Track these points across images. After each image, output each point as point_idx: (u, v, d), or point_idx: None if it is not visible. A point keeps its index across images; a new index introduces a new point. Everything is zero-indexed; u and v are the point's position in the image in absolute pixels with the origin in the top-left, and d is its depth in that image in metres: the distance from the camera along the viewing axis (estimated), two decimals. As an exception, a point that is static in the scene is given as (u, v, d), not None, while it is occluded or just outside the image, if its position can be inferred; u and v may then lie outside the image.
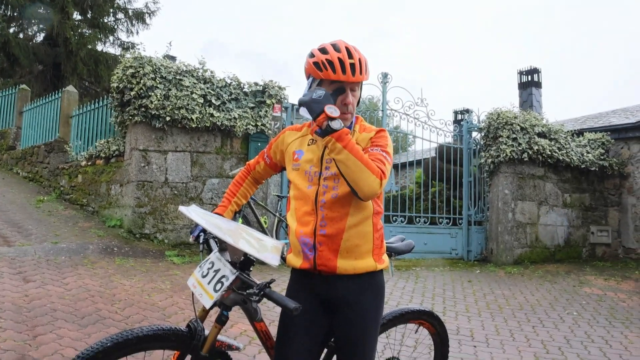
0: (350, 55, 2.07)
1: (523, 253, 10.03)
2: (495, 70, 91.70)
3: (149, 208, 7.81)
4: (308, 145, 2.26)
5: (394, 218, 9.80)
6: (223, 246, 2.21)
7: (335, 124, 1.95)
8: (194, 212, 2.11)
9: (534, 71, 18.00)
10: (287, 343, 2.21)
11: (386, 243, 2.43)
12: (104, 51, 18.63)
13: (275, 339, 2.29)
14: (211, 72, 8.28)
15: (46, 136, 11.28)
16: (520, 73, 18.29)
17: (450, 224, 10.28)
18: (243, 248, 1.98)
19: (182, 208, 2.11)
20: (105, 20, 18.85)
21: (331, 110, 1.96)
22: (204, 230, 2.32)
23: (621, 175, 11.23)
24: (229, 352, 2.28)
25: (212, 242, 2.28)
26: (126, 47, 19.60)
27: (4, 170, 12.10)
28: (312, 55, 2.15)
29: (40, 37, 19.02)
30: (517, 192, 10.08)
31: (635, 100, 40.03)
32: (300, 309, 1.86)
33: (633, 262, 10.51)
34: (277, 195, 8.45)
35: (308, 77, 2.23)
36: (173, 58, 8.92)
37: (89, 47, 17.62)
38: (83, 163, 9.35)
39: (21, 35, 18.20)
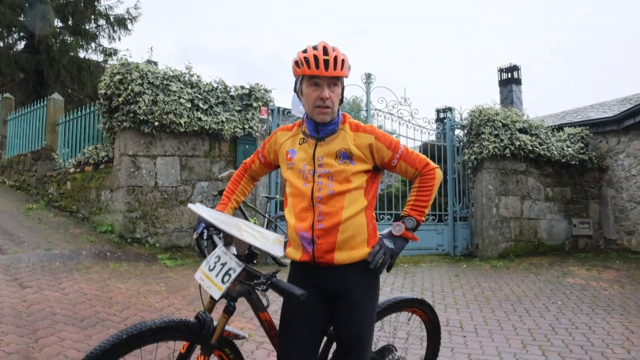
0: (325, 53, 2.21)
1: (508, 247, 10.25)
2: (476, 69, 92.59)
3: (140, 212, 7.89)
4: (300, 144, 2.39)
5: (380, 216, 9.97)
6: (228, 241, 2.34)
7: (408, 234, 2.35)
8: (201, 209, 2.25)
9: (513, 68, 18.33)
10: (290, 332, 2.35)
11: (379, 235, 2.58)
12: (86, 58, 18.60)
13: (278, 328, 2.43)
14: (197, 76, 8.39)
15: (32, 144, 11.28)
16: (501, 70, 18.61)
17: (436, 220, 10.48)
18: (249, 241, 2.12)
19: (190, 205, 2.25)
20: (87, 27, 18.84)
21: (399, 231, 2.33)
22: (206, 227, 2.45)
23: (600, 169, 11.52)
24: (235, 342, 2.42)
25: (215, 238, 2.41)
26: (108, 53, 19.59)
27: (-10, 179, 12.06)
28: (295, 56, 2.30)
29: (21, 45, 18.91)
30: (500, 187, 10.31)
31: (613, 95, 40.74)
32: (306, 295, 2.00)
33: (614, 253, 10.80)
34: (266, 197, 8.57)
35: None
36: (155, 63, 9.01)
37: (71, 54, 17.61)
38: (71, 170, 9.38)
39: (1, 44, 18.09)
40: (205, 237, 2.44)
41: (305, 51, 2.25)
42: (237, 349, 2.43)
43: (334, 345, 2.62)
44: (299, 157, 2.36)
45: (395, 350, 3.05)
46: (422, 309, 3.10)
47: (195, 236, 2.51)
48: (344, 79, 2.34)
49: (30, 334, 4.14)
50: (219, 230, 2.46)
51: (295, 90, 2.39)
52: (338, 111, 2.37)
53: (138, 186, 7.90)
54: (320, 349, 2.53)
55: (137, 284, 6.00)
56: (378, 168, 2.39)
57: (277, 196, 8.99)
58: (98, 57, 19.51)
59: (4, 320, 4.34)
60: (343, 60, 2.25)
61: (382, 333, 3.75)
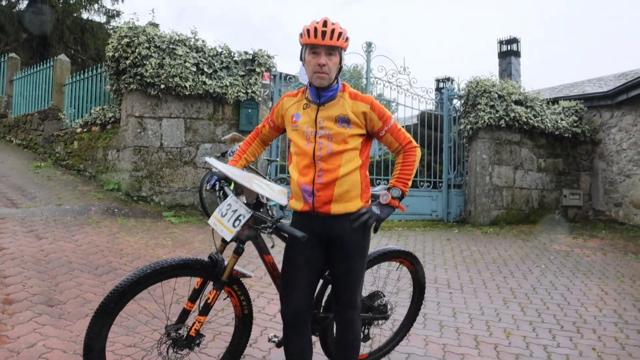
0: (325, 25, 2.50)
1: (499, 214, 10.62)
2: (477, 39, 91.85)
3: (146, 172, 8.21)
4: (303, 109, 2.69)
5: (377, 182, 10.30)
6: (238, 191, 2.68)
7: (395, 202, 2.63)
8: (217, 163, 2.57)
9: (513, 41, 18.44)
10: (291, 273, 2.69)
11: (372, 191, 2.90)
12: (89, 19, 18.65)
13: (280, 271, 2.77)
14: (202, 41, 8.61)
15: (39, 104, 11.53)
16: (500, 42, 18.72)
17: (431, 187, 10.82)
18: (258, 190, 2.45)
19: (207, 158, 2.58)
20: (90, -13, 18.84)
21: (386, 199, 2.61)
22: (218, 180, 2.77)
23: (593, 142, 11.81)
24: (242, 280, 2.77)
25: (227, 189, 2.74)
26: (111, 14, 19.64)
27: (-3, 138, 12.35)
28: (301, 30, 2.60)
29: (23, 4, 18.95)
30: (494, 157, 10.62)
31: (615, 69, 40.71)
32: (306, 236, 2.34)
33: (601, 224, 11.18)
34: (267, 159, 8.88)
35: None
36: (157, 25, 9.14)
37: (75, 15, 17.65)
38: (78, 130, 9.67)
39: (4, 2, 18.13)
40: (217, 189, 2.76)
41: (309, 24, 2.55)
42: (244, 286, 2.79)
43: (329, 289, 2.99)
44: (302, 120, 2.66)
45: (383, 296, 3.41)
46: (409, 260, 3.45)
47: (208, 187, 2.83)
48: (343, 50, 2.63)
49: (50, 279, 4.50)
50: (229, 183, 2.79)
51: (301, 59, 2.68)
52: (337, 80, 2.66)
53: (144, 146, 8.21)
54: (317, 290, 2.88)
55: (145, 238, 6.37)
56: (370, 134, 2.71)
57: (278, 159, 9.30)
58: (101, 19, 19.60)
59: (25, 266, 4.70)
60: (340, 32, 2.53)
61: (372, 281, 4.11)
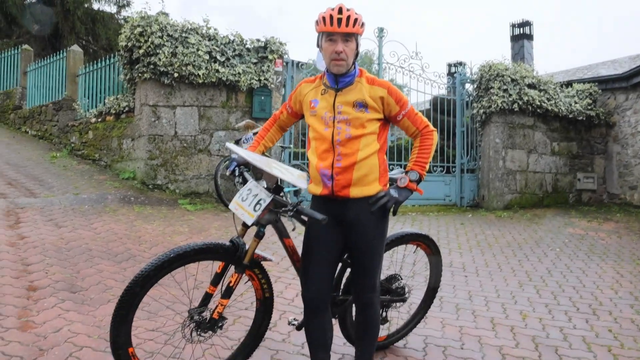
0: (340, 12, 2.52)
1: (513, 199, 10.60)
2: (489, 23, 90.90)
3: (160, 160, 8.29)
4: (321, 94, 2.72)
5: (390, 167, 10.18)
6: (258, 176, 2.72)
7: (412, 185, 2.68)
8: (238, 149, 2.62)
9: (525, 24, 18.26)
10: (311, 257, 2.74)
11: (389, 175, 2.93)
12: (100, 10, 18.70)
13: (300, 254, 2.82)
14: (215, 29, 8.62)
15: (53, 95, 11.62)
16: (513, 26, 18.55)
17: (444, 172, 10.81)
18: (278, 175, 2.49)
19: (228, 144, 2.62)
20: (100, -23, 18.86)
21: (404, 182, 2.66)
22: (238, 165, 2.81)
23: (607, 125, 11.71)
24: (263, 263, 2.82)
25: (246, 175, 2.78)
26: (121, 4, 19.65)
27: (12, 129, 12.48)
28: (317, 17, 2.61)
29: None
30: (507, 141, 10.58)
31: (626, 52, 40.19)
32: (327, 219, 2.38)
33: (616, 207, 11.11)
34: (281, 146, 8.91)
35: None
36: (167, 15, 9.17)
37: (86, 5, 17.70)
38: (93, 120, 9.75)
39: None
40: (237, 174, 2.81)
41: (324, 11, 2.56)
42: (264, 269, 2.84)
43: (347, 272, 3.04)
44: (321, 105, 2.68)
45: (401, 278, 3.45)
46: (426, 242, 3.49)
47: (227, 173, 2.87)
48: (359, 36, 2.64)
49: (72, 266, 4.59)
50: (249, 168, 2.84)
51: (318, 46, 2.70)
52: (355, 65, 2.68)
53: (159, 135, 8.28)
54: (336, 272, 2.93)
55: (162, 225, 6.45)
56: (387, 118, 2.73)
57: (291, 146, 9.34)
58: (111, 9, 19.61)
59: (47, 254, 4.79)
60: (356, 19, 2.55)
61: (389, 265, 4.15)
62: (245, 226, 2.68)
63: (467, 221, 9.02)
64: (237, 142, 8.38)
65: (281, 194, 2.67)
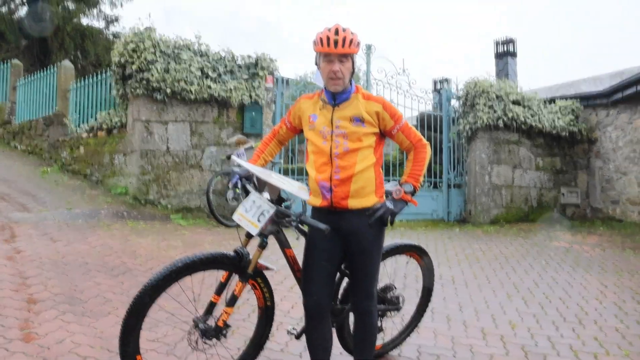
0: (336, 33, 2.66)
1: (499, 213, 10.80)
2: (473, 41, 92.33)
3: (153, 175, 8.37)
4: (320, 109, 2.86)
5: (379, 182, 10.43)
6: (260, 188, 2.83)
7: (407, 197, 2.81)
8: (242, 161, 2.73)
9: (509, 41, 18.65)
10: (312, 266, 2.85)
11: (385, 189, 3.05)
12: (88, 25, 18.78)
13: (301, 265, 2.93)
14: (206, 45, 8.77)
15: (43, 110, 11.65)
16: (497, 43, 18.93)
17: (432, 187, 11.00)
18: (281, 186, 2.61)
19: (233, 157, 2.74)
20: (89, -7, 18.96)
21: (399, 194, 2.78)
22: (240, 178, 2.93)
23: (589, 140, 12.02)
24: (265, 273, 2.93)
25: (248, 187, 2.90)
26: (110, 20, 19.76)
27: (1, 144, 12.46)
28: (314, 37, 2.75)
29: (22, 11, 19.05)
30: (493, 156, 10.81)
31: (611, 68, 41.05)
32: (329, 229, 2.49)
33: (599, 221, 11.38)
34: (271, 162, 9.01)
35: None
36: (154, 30, 9.26)
37: (75, 20, 17.78)
38: (84, 135, 9.81)
39: (4, 9, 18.24)
40: (239, 186, 2.92)
41: (321, 32, 2.71)
42: (266, 278, 2.95)
43: (344, 283, 3.15)
44: (319, 120, 2.82)
45: (395, 288, 3.57)
46: (418, 253, 3.63)
47: (230, 185, 2.99)
48: (354, 55, 2.79)
49: (70, 280, 4.65)
50: (250, 181, 2.95)
51: (316, 64, 2.84)
52: (351, 82, 2.82)
53: (151, 150, 8.36)
54: (335, 282, 3.04)
55: (156, 239, 6.52)
56: (382, 133, 2.87)
57: (281, 161, 9.46)
58: (100, 24, 19.70)
59: (44, 268, 4.84)
60: (351, 39, 2.69)
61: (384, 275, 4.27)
62: (249, 236, 2.79)
63: (455, 235, 9.18)
64: (228, 158, 8.50)
65: (283, 205, 2.79)
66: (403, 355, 3.76)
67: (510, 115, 10.72)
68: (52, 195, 8.11)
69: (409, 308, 4.17)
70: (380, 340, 3.70)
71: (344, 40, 2.64)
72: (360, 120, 2.74)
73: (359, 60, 10.54)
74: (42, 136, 11.15)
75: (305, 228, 2.88)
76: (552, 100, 12.32)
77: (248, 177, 2.94)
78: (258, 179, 2.86)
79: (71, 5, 18.43)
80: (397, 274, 4.39)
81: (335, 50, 2.65)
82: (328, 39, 2.64)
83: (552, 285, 5.97)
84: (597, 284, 6.03)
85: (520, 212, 11.14)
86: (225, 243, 6.74)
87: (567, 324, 4.60)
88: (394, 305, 3.53)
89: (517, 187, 11.15)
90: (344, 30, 2.68)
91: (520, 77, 19.04)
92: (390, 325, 3.87)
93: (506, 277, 6.28)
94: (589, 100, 12.09)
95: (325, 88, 2.83)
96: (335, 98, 2.78)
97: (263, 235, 2.74)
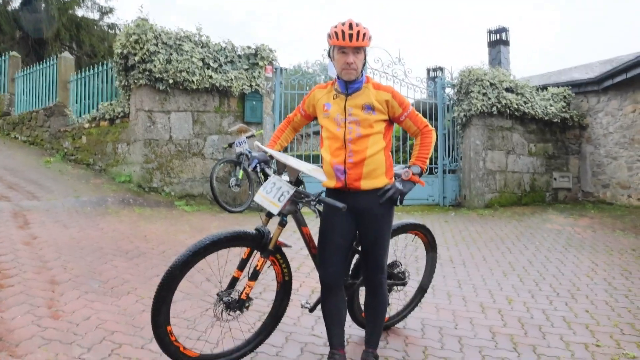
0: (351, 28, 2.88)
1: (493, 198, 11.08)
2: (466, 29, 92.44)
3: (156, 164, 8.56)
4: (333, 99, 3.08)
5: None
6: (280, 171, 3.06)
7: (415, 178, 3.07)
8: (263, 147, 2.97)
9: (502, 30, 18.91)
10: (327, 242, 3.08)
11: (394, 171, 3.28)
12: (83, 16, 18.83)
13: (316, 241, 3.16)
14: (207, 36, 8.94)
15: (43, 101, 11.78)
16: (490, 32, 19.18)
17: (427, 173, 11.23)
18: (300, 168, 2.84)
19: (257, 143, 2.97)
20: (83, -16, 19.00)
21: (408, 175, 3.04)
22: (259, 162, 3.15)
23: (581, 126, 12.31)
24: (283, 249, 3.16)
25: (267, 170, 3.12)
26: (104, 11, 19.82)
27: (1, 135, 12.58)
28: (329, 30, 2.97)
29: (16, 3, 19.07)
30: (487, 142, 11.06)
31: (598, 57, 41.41)
32: (346, 207, 2.72)
33: (590, 204, 11.68)
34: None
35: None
36: (146, 20, 9.36)
37: (70, 12, 17.83)
38: (86, 125, 9.97)
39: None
40: (259, 170, 3.15)
41: (336, 27, 2.92)
42: (285, 255, 3.18)
43: (355, 259, 3.40)
44: (333, 108, 3.04)
45: (401, 264, 3.82)
46: (423, 232, 3.88)
47: (250, 169, 3.21)
48: (366, 48, 3.01)
49: (87, 263, 4.86)
50: (268, 165, 3.17)
51: (329, 56, 3.06)
52: (362, 73, 3.05)
53: (154, 139, 8.56)
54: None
55: (164, 225, 6.74)
56: (391, 119, 3.10)
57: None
58: (94, 15, 19.77)
59: (61, 252, 5.05)
60: (365, 33, 2.91)
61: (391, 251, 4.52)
62: (269, 216, 3.02)
63: (451, 219, 9.45)
64: (230, 146, 8.70)
65: (301, 187, 3.01)
66: (408, 327, 4.01)
67: (503, 102, 10.97)
68: (58, 184, 8.30)
69: (413, 284, 4.43)
70: (387, 313, 3.95)
71: (357, 34, 2.86)
72: (371, 108, 2.96)
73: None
74: (42, 127, 11.29)
75: (321, 208, 3.11)
76: (544, 88, 12.58)
77: (266, 161, 3.17)
78: (277, 162, 3.08)
79: (66, -4, 18.47)
80: (403, 251, 4.63)
81: (350, 43, 2.87)
82: (343, 32, 2.86)
83: (545, 263, 6.25)
84: (589, 262, 6.31)
85: (514, 196, 11.43)
86: (229, 228, 6.96)
87: (560, 299, 4.87)
88: (400, 280, 3.78)
89: (511, 172, 11.43)
90: (357, 25, 2.90)
91: (513, 65, 19.29)
92: (396, 300, 4.13)
93: (502, 257, 6.55)
94: (580, 87, 12.36)
95: (338, 78, 3.05)
96: (348, 88, 3.00)
97: (283, 214, 2.97)
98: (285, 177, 3.04)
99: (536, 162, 11.92)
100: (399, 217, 9.19)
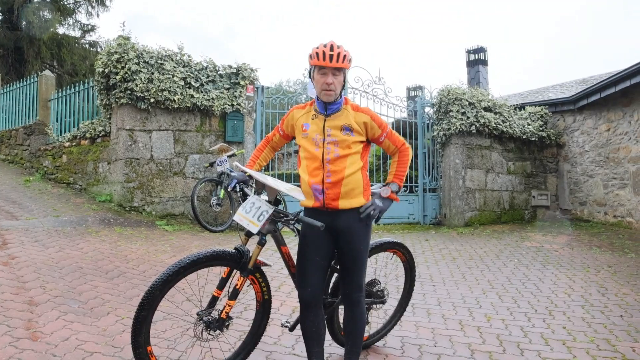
0: (331, 49, 2.96)
1: (473, 216, 11.20)
2: (445, 49, 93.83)
3: (137, 183, 8.54)
4: (312, 119, 3.14)
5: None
6: (259, 191, 3.10)
7: (393, 195, 3.13)
8: (242, 167, 3.01)
9: (480, 50, 19.25)
10: (306, 261, 3.12)
11: (371, 190, 3.34)
12: (65, 34, 18.79)
13: (295, 260, 3.20)
14: (189, 56, 9.00)
15: (23, 119, 11.72)
16: (468, 52, 19.51)
17: (407, 191, 11.35)
18: (278, 188, 2.89)
19: (236, 163, 3.00)
20: (65, 3, 18.98)
21: (387, 193, 3.11)
22: (238, 182, 3.19)
23: (558, 145, 12.53)
24: (263, 268, 3.19)
25: (246, 190, 3.16)
26: (86, 29, 19.79)
27: (-21, 154, 12.46)
28: (310, 51, 3.04)
29: (-3, 20, 18.97)
30: (466, 161, 11.21)
31: (573, 76, 42.24)
32: (324, 226, 2.77)
33: (568, 222, 11.86)
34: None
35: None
36: (128, 39, 9.37)
37: (51, 30, 17.78)
38: (67, 144, 9.92)
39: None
40: (238, 190, 3.18)
41: (317, 47, 3.00)
42: (264, 274, 3.21)
43: (334, 278, 3.43)
44: (312, 129, 3.10)
45: (380, 282, 3.86)
46: (401, 250, 3.93)
47: (229, 189, 3.24)
48: (346, 70, 3.08)
49: (67, 283, 4.83)
50: (247, 185, 3.21)
51: (309, 76, 3.13)
52: (341, 94, 3.11)
53: (135, 158, 8.54)
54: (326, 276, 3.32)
55: (145, 244, 6.71)
56: (369, 140, 3.17)
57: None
58: (76, 33, 19.72)
59: (40, 272, 5.01)
60: (345, 55, 2.99)
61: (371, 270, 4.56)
62: (249, 235, 3.05)
63: (431, 237, 9.53)
64: (211, 165, 8.72)
65: (280, 206, 3.06)
66: (388, 345, 4.04)
67: (482, 121, 11.14)
68: (37, 203, 8.23)
69: (392, 302, 4.47)
70: (367, 332, 3.98)
71: (338, 55, 2.93)
72: (349, 129, 3.03)
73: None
74: (22, 145, 11.21)
75: (300, 227, 3.15)
76: (522, 107, 12.81)
77: (245, 181, 3.21)
78: (256, 181, 3.12)
79: (47, 15, 18.40)
80: (382, 270, 4.67)
81: (330, 64, 2.94)
82: (324, 53, 2.93)
83: (524, 281, 6.33)
84: (566, 279, 6.41)
85: (494, 214, 11.56)
86: (211, 247, 6.96)
87: (538, 315, 4.94)
88: (380, 298, 3.82)
89: (490, 191, 11.58)
90: (338, 46, 2.97)
91: (491, 85, 19.65)
92: (376, 319, 4.16)
93: (481, 275, 6.62)
94: (556, 107, 12.60)
95: (317, 99, 3.11)
96: (327, 109, 3.07)
97: (262, 233, 3.01)
98: (264, 196, 3.08)
99: (515, 181, 12.09)
100: (380, 235, 9.27)
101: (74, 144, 9.78)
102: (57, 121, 10.79)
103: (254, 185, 3.25)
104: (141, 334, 2.77)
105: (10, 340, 3.53)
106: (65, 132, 10.46)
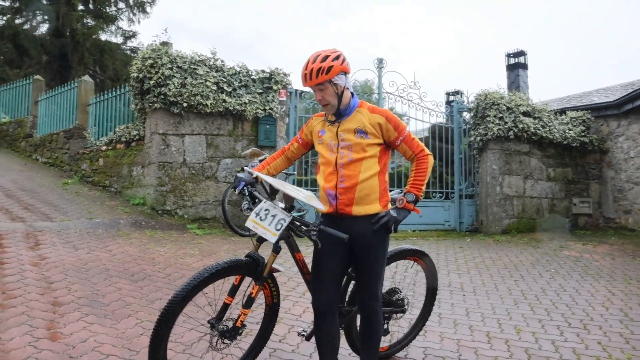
0: (306, 68, 2.87)
1: (511, 223, 10.89)
2: (485, 53, 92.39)
3: (170, 187, 8.62)
4: (327, 126, 3.07)
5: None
6: (272, 197, 3.04)
7: (410, 206, 2.98)
8: (257, 173, 2.97)
9: (520, 53, 18.80)
10: (321, 269, 3.04)
11: (390, 195, 3.24)
12: (107, 41, 19.29)
13: (310, 267, 3.12)
14: (222, 61, 9.05)
15: (63, 124, 12.02)
16: (508, 55, 19.08)
17: (443, 197, 11.13)
18: (296, 196, 2.82)
19: (246, 168, 2.94)
20: (108, 10, 19.49)
21: (402, 203, 2.97)
22: (246, 185, 3.12)
23: (601, 151, 12.08)
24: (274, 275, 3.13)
25: (255, 193, 3.09)
26: (128, 36, 20.27)
27: (23, 156, 12.85)
28: None
29: (43, 28, 19.64)
30: (504, 167, 10.92)
31: (618, 80, 40.90)
32: (348, 238, 2.68)
33: (611, 230, 11.41)
34: (285, 173, 9.24)
35: None
36: (169, 44, 9.49)
37: (94, 37, 18.27)
38: (103, 147, 10.12)
39: (27, 27, 18.81)
40: (246, 193, 3.12)
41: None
42: (275, 279, 3.15)
43: (351, 285, 3.34)
44: (327, 135, 3.03)
45: (400, 291, 3.75)
46: (422, 258, 3.80)
47: (236, 192, 3.18)
48: (332, 79, 2.88)
49: (92, 285, 4.88)
50: (254, 187, 3.15)
51: None
52: (352, 98, 3.01)
53: (168, 162, 8.63)
54: (342, 284, 3.23)
55: (174, 248, 6.75)
56: (387, 144, 3.06)
57: (295, 172, 9.68)
58: (117, 40, 20.26)
59: (67, 273, 5.08)
60: (320, 68, 2.84)
61: (390, 280, 4.44)
62: (260, 241, 2.99)
63: (466, 245, 9.31)
64: (242, 170, 8.71)
65: (294, 213, 2.98)
66: (409, 356, 3.92)
67: (520, 126, 10.84)
68: (73, 205, 8.40)
69: (415, 311, 4.34)
70: (387, 342, 3.87)
71: (311, 72, 2.85)
72: (363, 132, 2.94)
73: (371, 74, 10.78)
74: (62, 149, 11.50)
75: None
76: (563, 112, 12.41)
77: (252, 183, 3.14)
78: (271, 187, 3.06)
79: (91, 22, 18.94)
80: (403, 278, 4.56)
81: (306, 84, 2.91)
82: (304, 74, 2.88)
83: (559, 292, 6.08)
84: (605, 292, 6.13)
85: (532, 222, 11.22)
86: (239, 251, 6.96)
87: (571, 329, 4.72)
88: (400, 307, 3.70)
89: (529, 198, 11.24)
90: (313, 61, 2.86)
91: (531, 89, 19.17)
92: (397, 328, 4.04)
93: (514, 285, 6.40)
94: (600, 111, 12.16)
95: None
96: (339, 114, 3.00)
97: (276, 241, 2.94)
98: (280, 203, 3.01)
99: (555, 187, 11.72)
100: (414, 243, 9.11)
101: (110, 147, 9.96)
102: (95, 125, 11.03)
103: (265, 188, 3.19)
104: (159, 351, 2.73)
105: (30, 340, 3.57)
106: (102, 136, 10.67)
